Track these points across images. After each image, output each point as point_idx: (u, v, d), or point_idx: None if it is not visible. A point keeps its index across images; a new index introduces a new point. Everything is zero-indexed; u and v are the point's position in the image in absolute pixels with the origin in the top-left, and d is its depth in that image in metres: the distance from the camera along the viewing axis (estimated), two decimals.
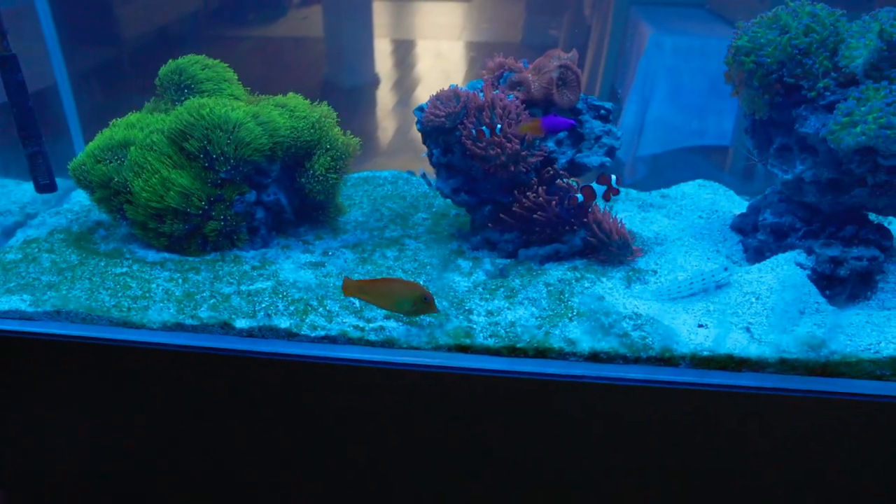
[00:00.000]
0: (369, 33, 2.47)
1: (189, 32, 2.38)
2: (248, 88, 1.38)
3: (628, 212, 1.46)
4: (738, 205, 1.46)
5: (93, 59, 2.14)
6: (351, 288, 1.10)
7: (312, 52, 2.55)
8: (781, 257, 1.18)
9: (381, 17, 2.52)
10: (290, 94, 1.32)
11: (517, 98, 1.19)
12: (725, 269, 1.17)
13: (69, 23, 1.77)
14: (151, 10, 2.27)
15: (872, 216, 1.23)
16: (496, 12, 2.54)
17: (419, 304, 1.07)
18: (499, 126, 1.14)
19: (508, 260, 1.26)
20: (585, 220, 1.23)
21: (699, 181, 1.57)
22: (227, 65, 1.35)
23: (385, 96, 2.51)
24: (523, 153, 1.15)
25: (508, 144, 1.14)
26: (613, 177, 1.16)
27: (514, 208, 1.20)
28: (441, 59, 2.66)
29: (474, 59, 2.57)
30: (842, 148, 1.01)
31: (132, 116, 1.30)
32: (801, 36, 1.10)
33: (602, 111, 1.25)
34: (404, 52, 2.67)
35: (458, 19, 2.62)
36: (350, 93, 2.55)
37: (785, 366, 1.07)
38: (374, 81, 2.52)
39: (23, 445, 1.29)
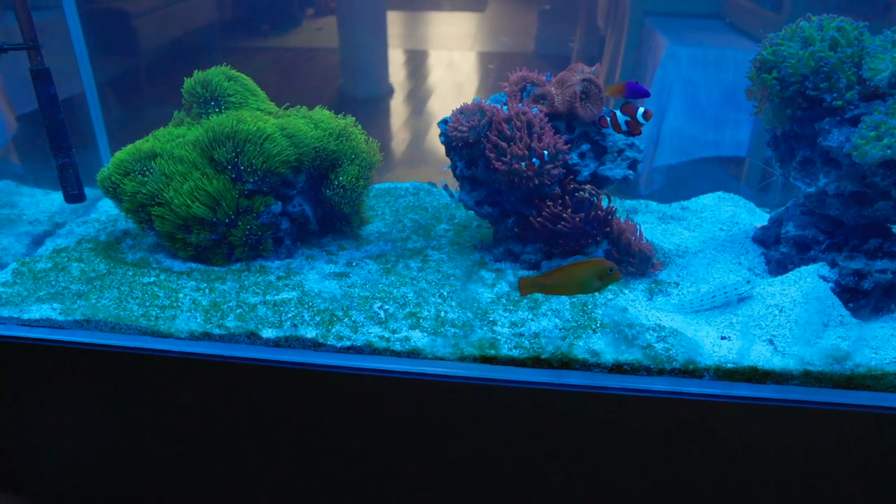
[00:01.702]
0: (383, 43, 2.49)
1: (205, 44, 2.38)
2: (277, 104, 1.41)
3: (648, 223, 1.47)
4: (759, 217, 1.46)
5: (114, 70, 2.18)
6: (528, 286, 1.11)
7: (327, 63, 2.58)
8: (804, 270, 1.18)
9: (394, 28, 2.54)
10: (317, 108, 1.33)
11: (541, 111, 1.20)
12: (748, 281, 1.18)
13: (95, 34, 1.80)
14: (168, 22, 2.30)
15: None
16: (509, 22, 2.54)
17: (605, 277, 1.07)
18: (535, 159, 1.15)
19: (532, 272, 1.27)
20: (608, 230, 1.24)
21: (719, 193, 1.57)
22: (250, 78, 1.37)
23: (399, 106, 2.53)
24: (547, 167, 1.16)
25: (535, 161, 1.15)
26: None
27: (536, 219, 1.21)
28: (454, 69, 2.68)
29: (488, 70, 2.59)
30: (867, 161, 1.02)
31: (160, 131, 1.32)
32: (826, 49, 1.10)
33: (625, 125, 1.26)
34: (418, 62, 2.68)
35: (471, 29, 2.63)
36: (365, 103, 2.57)
37: (809, 378, 1.07)
38: (389, 92, 2.54)
39: (50, 453, 1.31)
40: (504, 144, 1.14)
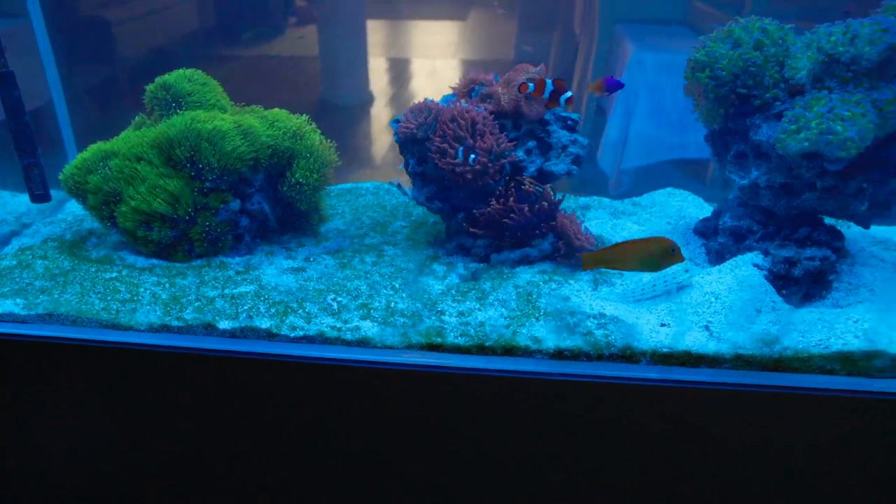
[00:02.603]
0: (363, 52, 2.52)
1: (186, 51, 2.42)
2: (238, 103, 1.45)
3: (600, 219, 1.52)
4: (706, 211, 1.52)
5: (90, 78, 2.21)
6: (590, 261, 1.17)
7: (309, 71, 2.61)
8: (740, 259, 1.24)
9: (375, 36, 2.57)
10: (273, 108, 1.38)
11: (488, 109, 1.25)
12: (686, 270, 1.23)
13: (66, 42, 1.84)
14: (148, 30, 2.33)
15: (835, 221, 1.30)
16: (490, 30, 2.57)
17: (667, 256, 1.13)
18: (472, 156, 1.20)
19: (481, 265, 1.32)
20: (553, 223, 1.29)
21: (669, 189, 1.63)
22: (211, 77, 1.42)
23: (380, 113, 2.56)
24: (489, 164, 1.21)
25: (479, 157, 1.20)
26: (568, 93, 1.21)
27: (481, 213, 1.26)
28: (435, 76, 2.71)
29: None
30: (788, 153, 1.08)
31: (122, 133, 1.37)
32: (751, 50, 1.16)
33: (569, 122, 1.31)
34: (399, 69, 2.72)
35: (453, 37, 2.66)
36: (346, 110, 2.60)
37: (741, 361, 1.12)
38: (369, 99, 2.57)
39: (15, 446, 1.35)
40: (445, 146, 1.19)
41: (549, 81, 1.19)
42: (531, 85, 1.20)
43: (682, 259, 1.16)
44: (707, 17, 2.32)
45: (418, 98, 2.54)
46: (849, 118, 1.02)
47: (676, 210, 1.52)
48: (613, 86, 1.24)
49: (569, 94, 1.20)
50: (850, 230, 1.45)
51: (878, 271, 1.29)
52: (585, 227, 1.31)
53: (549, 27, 2.52)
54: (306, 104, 2.51)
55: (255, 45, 2.47)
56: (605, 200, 1.61)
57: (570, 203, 1.59)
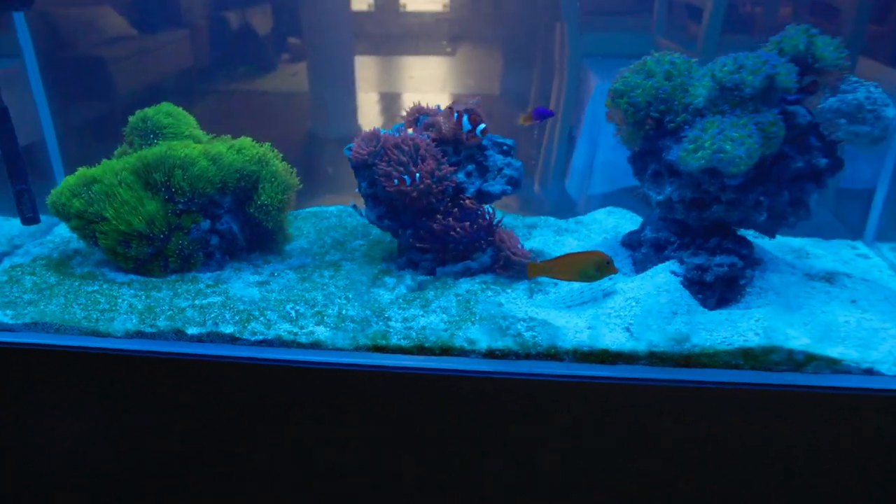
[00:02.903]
0: (351, 88, 2.62)
1: (180, 87, 2.53)
2: (235, 136, 1.59)
3: (544, 236, 1.66)
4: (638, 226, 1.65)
5: (86, 114, 2.36)
6: (535, 270, 1.32)
7: (299, 106, 2.72)
8: (659, 267, 1.37)
9: (366, 72, 2.68)
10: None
11: (430, 137, 1.39)
12: (610, 278, 1.36)
13: (61, 80, 1.99)
14: (144, 67, 2.47)
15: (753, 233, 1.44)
16: (477, 65, 2.68)
17: (602, 268, 1.28)
18: (417, 174, 1.35)
19: (428, 277, 1.45)
20: (493, 239, 1.43)
21: (609, 208, 1.76)
22: (187, 112, 1.57)
23: None
24: (432, 186, 1.36)
25: (423, 180, 1.34)
26: (482, 125, 1.36)
27: (428, 231, 1.39)
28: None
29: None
30: (689, 170, 1.21)
31: (105, 161, 1.52)
32: (662, 80, 1.31)
33: (504, 147, 1.46)
34: (388, 103, 2.82)
35: (442, 72, 2.76)
36: (333, 144, 2.68)
37: (654, 358, 1.24)
38: (357, 133, 2.73)
39: (9, 446, 1.47)
40: (390, 169, 1.34)
41: (465, 116, 1.34)
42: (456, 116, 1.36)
43: (615, 271, 1.31)
44: (669, 51, 2.48)
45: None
46: (737, 139, 1.16)
47: (613, 226, 1.66)
48: (542, 115, 1.38)
49: (483, 125, 1.35)
50: (769, 241, 1.60)
51: (787, 276, 1.43)
52: (522, 244, 1.45)
53: (531, 62, 2.68)
54: (296, 138, 2.64)
55: (247, 80, 2.58)
56: (551, 220, 1.75)
57: (518, 222, 1.73)
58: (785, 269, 1.45)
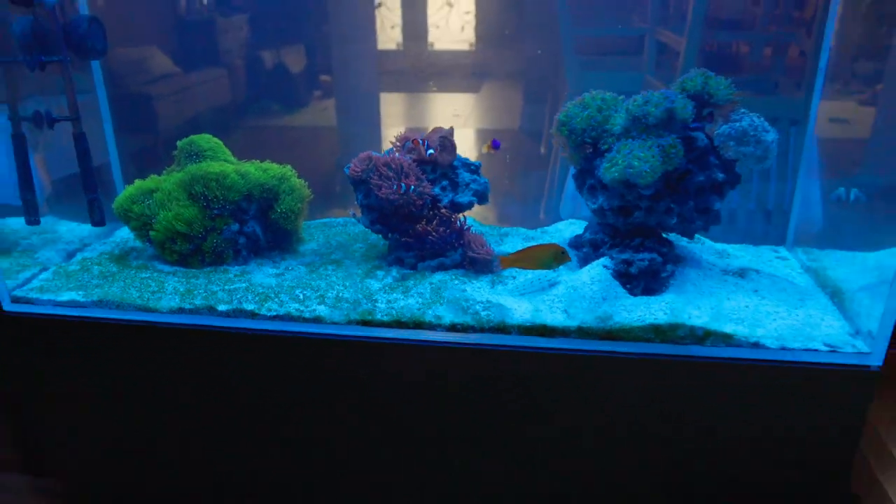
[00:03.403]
0: (377, 122, 2.80)
1: (219, 122, 2.73)
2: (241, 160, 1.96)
3: (514, 242, 1.99)
4: None
5: (136, 143, 2.65)
6: (507, 261, 1.66)
7: (329, 140, 2.92)
8: (595, 262, 1.68)
9: (393, 108, 2.84)
10: (267, 162, 1.90)
11: (413, 158, 1.75)
12: (555, 271, 1.69)
13: (119, 113, 2.34)
14: (185, 102, 2.67)
15: (674, 236, 1.75)
16: (499, 101, 2.84)
17: (558, 257, 1.62)
18: (413, 187, 1.70)
19: (410, 270, 1.79)
20: (463, 240, 1.76)
21: (569, 220, 2.09)
22: (220, 141, 1.95)
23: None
24: (414, 198, 1.70)
25: (405, 191, 1.69)
26: (431, 150, 1.72)
27: (409, 233, 1.74)
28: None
29: (477, 144, 2.91)
30: (607, 182, 1.54)
31: (157, 175, 1.91)
32: (595, 112, 1.64)
33: (472, 167, 1.80)
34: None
35: (466, 108, 2.92)
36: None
37: (583, 332, 1.55)
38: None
39: (71, 430, 1.83)
40: (380, 182, 1.69)
41: (427, 144, 1.70)
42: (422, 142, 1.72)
43: (568, 259, 1.64)
44: (656, 89, 2.79)
45: None
46: (643, 157, 1.49)
47: (570, 234, 1.97)
48: (497, 146, 1.74)
49: (430, 150, 1.70)
50: (697, 245, 1.90)
51: (704, 271, 1.73)
52: (489, 245, 1.78)
53: (545, 99, 2.97)
54: (325, 169, 2.84)
55: (280, 116, 2.77)
56: (521, 230, 2.07)
57: (493, 231, 2.06)
58: (705, 265, 1.76)
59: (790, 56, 2.58)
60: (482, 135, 2.93)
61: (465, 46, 2.63)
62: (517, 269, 1.78)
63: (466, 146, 1.98)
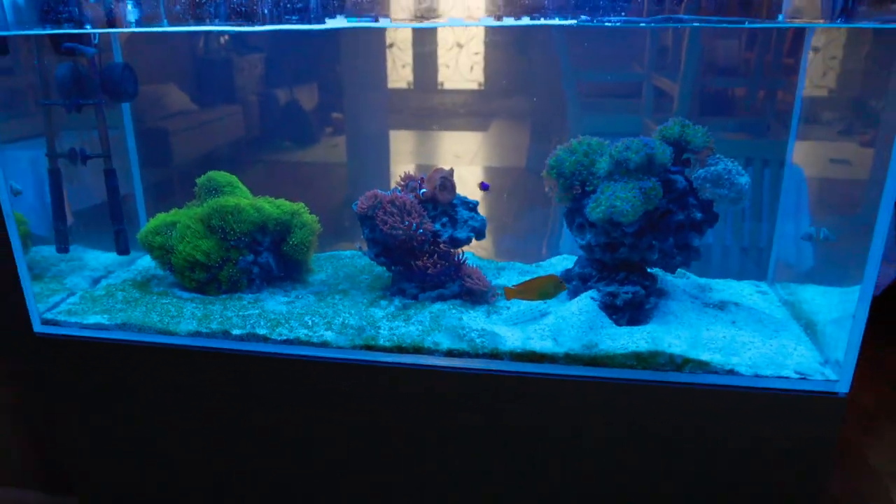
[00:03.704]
0: (386, 159, 2.87)
1: (233, 156, 2.82)
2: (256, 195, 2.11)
3: (510, 276, 2.12)
4: None
5: (154, 176, 2.77)
6: (511, 293, 1.80)
7: (338, 176, 2.96)
8: (584, 295, 1.81)
9: (402, 145, 2.88)
10: (280, 199, 2.05)
11: (415, 197, 1.89)
12: (545, 303, 1.82)
13: (145, 147, 2.48)
14: (201, 138, 2.75)
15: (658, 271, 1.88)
16: (508, 140, 2.89)
17: (557, 286, 1.78)
18: (414, 224, 1.84)
19: (411, 300, 1.92)
20: (461, 272, 1.90)
21: (563, 255, 2.22)
22: (237, 178, 2.10)
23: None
24: (417, 234, 1.84)
25: (409, 227, 1.84)
26: (423, 189, 1.86)
27: (413, 264, 1.88)
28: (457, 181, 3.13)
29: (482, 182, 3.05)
30: (593, 220, 1.68)
31: (178, 209, 2.06)
32: (581, 156, 1.79)
33: (470, 205, 1.95)
34: (420, 174, 3.23)
35: (473, 146, 2.98)
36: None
37: (570, 359, 1.67)
38: None
39: (84, 441, 1.95)
40: (386, 217, 1.84)
41: (420, 183, 1.85)
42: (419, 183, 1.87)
43: (564, 288, 1.77)
44: (654, 132, 2.92)
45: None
46: (625, 198, 1.62)
47: (563, 268, 2.10)
48: (484, 188, 1.89)
49: (423, 189, 1.85)
50: (681, 280, 2.03)
51: (686, 304, 1.85)
52: (485, 277, 1.91)
53: (551, 139, 3.09)
54: (333, 205, 2.87)
55: (292, 152, 2.83)
56: (518, 264, 2.21)
57: (491, 265, 2.20)
58: (687, 299, 1.88)
59: (780, 100, 2.71)
60: (489, 172, 3.00)
61: (473, 86, 2.70)
62: (510, 302, 1.90)
63: (474, 183, 2.10)
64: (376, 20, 1.58)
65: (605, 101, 2.99)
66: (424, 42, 2.72)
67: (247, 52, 2.75)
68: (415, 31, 2.67)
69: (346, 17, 1.54)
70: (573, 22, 1.52)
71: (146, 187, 2.43)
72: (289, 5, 1.56)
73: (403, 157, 2.94)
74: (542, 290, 1.79)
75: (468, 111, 2.78)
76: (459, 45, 2.67)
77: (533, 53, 2.73)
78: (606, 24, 1.50)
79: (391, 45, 2.69)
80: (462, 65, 2.68)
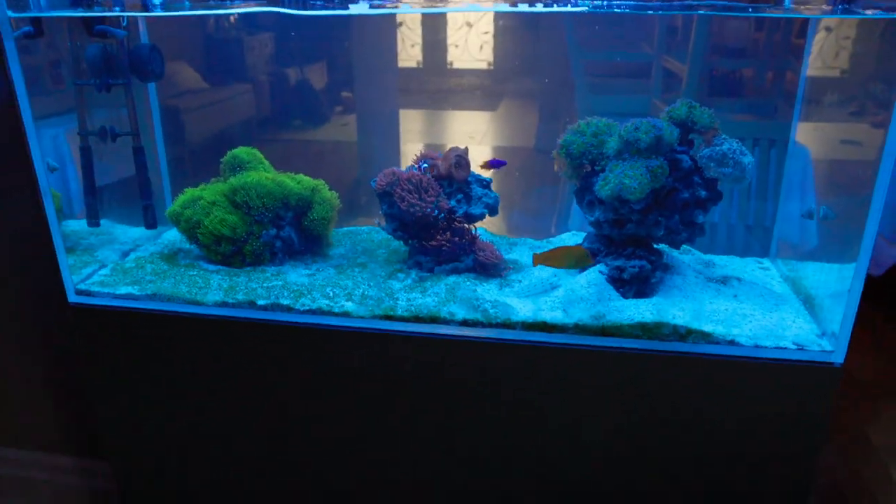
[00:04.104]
0: (396, 139, 2.96)
1: (244, 135, 2.83)
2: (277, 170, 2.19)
3: (521, 251, 2.20)
4: None
5: (172, 153, 2.79)
6: (538, 259, 1.86)
7: (349, 155, 3.05)
8: (592, 268, 1.89)
9: (412, 124, 2.95)
10: (300, 174, 2.14)
11: (431, 174, 1.97)
12: (555, 275, 1.90)
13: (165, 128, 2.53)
14: (212, 116, 2.78)
15: (663, 246, 1.96)
16: (517, 120, 2.95)
17: (583, 258, 1.83)
18: (434, 202, 1.92)
19: (428, 273, 2.01)
20: (475, 247, 1.98)
21: (573, 231, 2.30)
22: (259, 153, 2.18)
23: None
24: (430, 210, 1.93)
25: (426, 203, 1.92)
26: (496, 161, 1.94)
27: (429, 243, 1.96)
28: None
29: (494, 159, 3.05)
30: (602, 197, 1.76)
31: (204, 185, 2.14)
32: (590, 137, 1.86)
33: (483, 182, 2.03)
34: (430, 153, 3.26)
35: (483, 126, 3.00)
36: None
37: (579, 329, 1.76)
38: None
39: (115, 409, 2.05)
40: (404, 193, 1.92)
41: (425, 160, 1.93)
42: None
43: (591, 261, 1.84)
44: (662, 113, 2.97)
45: None
46: (633, 176, 1.70)
47: (573, 243, 2.19)
48: (495, 165, 1.96)
49: (425, 164, 1.94)
50: (686, 256, 2.11)
51: (691, 278, 1.93)
52: (498, 251, 2.00)
53: (560, 119, 3.03)
54: (345, 183, 2.87)
55: (302, 131, 2.85)
56: (529, 240, 2.29)
57: (503, 241, 2.28)
58: (691, 273, 1.96)
59: (788, 81, 2.76)
60: (498, 152, 3.03)
61: (483, 66, 2.73)
62: (522, 275, 1.99)
63: (483, 161, 2.16)
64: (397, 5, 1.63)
65: (614, 83, 3.02)
66: (434, 21, 2.73)
67: (256, 31, 2.75)
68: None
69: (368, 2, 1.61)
70: (584, 8, 1.59)
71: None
72: None
73: (413, 135, 2.97)
74: (571, 259, 1.86)
75: (477, 91, 2.80)
76: (469, 24, 2.69)
77: (542, 33, 2.77)
78: (616, 10, 1.57)
79: (401, 24, 2.71)
80: (471, 44, 2.70)
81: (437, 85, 2.82)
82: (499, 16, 2.70)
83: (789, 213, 2.16)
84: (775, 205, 2.21)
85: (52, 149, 2.45)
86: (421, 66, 2.74)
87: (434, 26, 2.76)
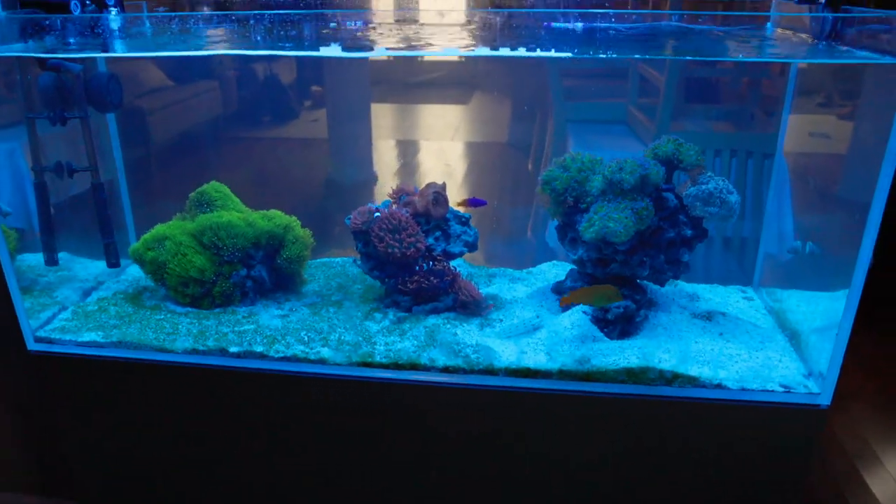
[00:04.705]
0: (368, 135, 2.86)
1: (211, 134, 2.75)
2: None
3: (501, 283, 2.14)
4: None
5: (130, 155, 2.66)
6: (567, 300, 1.79)
7: (319, 152, 2.98)
8: (575, 308, 1.84)
9: (383, 119, 2.89)
10: (272, 210, 2.05)
11: (408, 211, 1.90)
12: (537, 316, 1.85)
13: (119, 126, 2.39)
14: (178, 115, 2.71)
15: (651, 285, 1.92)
16: (489, 114, 2.91)
17: (613, 296, 1.75)
18: (410, 244, 1.85)
19: (406, 314, 1.95)
20: (454, 286, 1.92)
21: (553, 262, 2.25)
22: (229, 189, 2.09)
23: (382, 191, 2.74)
24: (408, 251, 1.86)
25: (404, 244, 1.85)
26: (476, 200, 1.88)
27: (405, 282, 1.89)
28: (434, 157, 3.02)
29: (463, 158, 2.99)
30: (586, 240, 1.70)
31: (170, 222, 2.05)
32: (575, 173, 1.81)
33: (462, 219, 1.96)
34: (403, 150, 3.03)
35: (455, 120, 2.97)
36: (349, 189, 2.91)
37: (563, 374, 1.71)
38: (373, 179, 2.93)
39: (92, 456, 1.96)
40: (382, 234, 1.85)
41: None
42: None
43: (619, 298, 1.77)
44: (638, 119, 2.93)
45: (424, 178, 2.76)
46: (618, 219, 1.65)
47: (553, 276, 2.14)
48: (475, 204, 1.90)
49: (404, 197, 1.86)
50: (669, 288, 2.07)
51: (675, 315, 1.90)
52: (479, 289, 1.94)
53: (532, 115, 2.94)
54: (315, 182, 2.92)
55: (271, 128, 2.81)
56: (508, 270, 2.23)
57: (481, 272, 2.22)
58: (676, 309, 1.93)
59: (764, 89, 2.73)
60: (472, 148, 3.03)
61: (455, 58, 2.67)
62: (503, 313, 1.93)
63: (455, 159, 2.06)
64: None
65: (590, 85, 2.99)
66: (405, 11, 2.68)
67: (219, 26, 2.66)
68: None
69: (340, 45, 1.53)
70: (568, 54, 1.53)
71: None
72: (282, 32, 1.54)
73: (385, 131, 2.92)
74: (599, 297, 1.79)
75: (449, 84, 2.77)
76: (441, 15, 2.61)
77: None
78: (600, 55, 1.52)
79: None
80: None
81: (408, 78, 2.77)
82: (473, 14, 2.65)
83: (773, 235, 2.13)
84: (756, 217, 2.17)
85: (8, 165, 2.33)
86: (391, 59, 2.68)
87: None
